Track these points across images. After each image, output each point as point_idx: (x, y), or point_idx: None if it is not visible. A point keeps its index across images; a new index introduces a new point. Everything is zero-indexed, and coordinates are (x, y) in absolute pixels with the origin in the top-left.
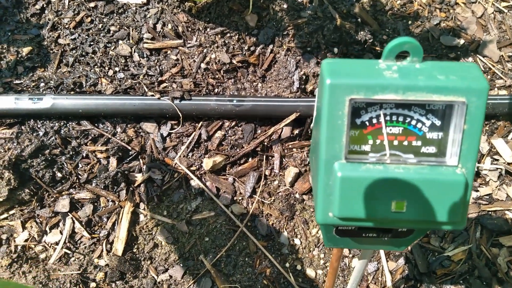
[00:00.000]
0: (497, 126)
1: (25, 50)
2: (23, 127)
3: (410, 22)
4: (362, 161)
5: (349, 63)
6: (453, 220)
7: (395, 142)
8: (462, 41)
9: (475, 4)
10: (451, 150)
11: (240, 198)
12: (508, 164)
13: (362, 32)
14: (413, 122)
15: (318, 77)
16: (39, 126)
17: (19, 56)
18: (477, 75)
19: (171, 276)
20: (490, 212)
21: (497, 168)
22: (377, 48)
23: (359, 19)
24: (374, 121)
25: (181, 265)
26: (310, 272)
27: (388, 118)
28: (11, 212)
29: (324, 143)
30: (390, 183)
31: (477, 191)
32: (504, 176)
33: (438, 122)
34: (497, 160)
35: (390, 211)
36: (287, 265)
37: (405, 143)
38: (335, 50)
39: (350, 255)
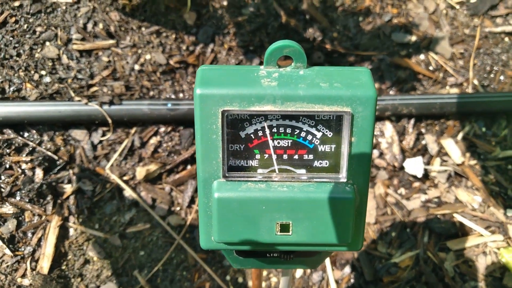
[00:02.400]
0: (446, 126)
1: None
2: None
3: (361, 18)
4: (245, 179)
5: (226, 70)
6: (343, 242)
7: (285, 156)
8: (414, 38)
9: (427, 0)
10: (342, 164)
11: (177, 208)
12: (457, 165)
13: (310, 30)
14: (302, 134)
15: None
16: None
17: None
18: (366, 82)
19: None
20: (438, 216)
21: (446, 170)
22: (327, 46)
23: (307, 16)
24: (260, 133)
25: (114, 281)
26: None
27: (274, 130)
28: None
29: (200, 160)
30: (273, 203)
31: (426, 194)
32: (453, 178)
33: (330, 134)
34: (446, 161)
35: (274, 233)
36: (228, 278)
37: (296, 157)
38: None
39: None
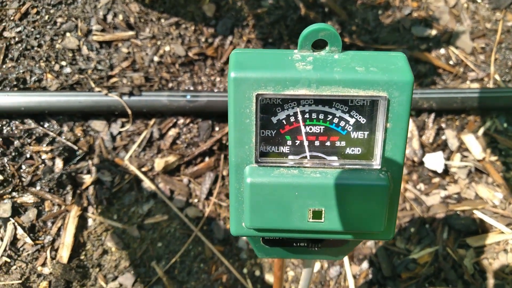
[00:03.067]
0: (467, 121)
1: None
2: None
3: (380, 12)
4: (277, 164)
5: (260, 53)
6: (375, 230)
7: (317, 143)
8: (434, 32)
9: None
10: (376, 151)
11: (195, 200)
12: (478, 161)
13: (329, 22)
14: (336, 120)
15: None
16: None
17: None
18: (402, 67)
19: (121, 284)
20: (458, 212)
21: (466, 166)
22: (345, 39)
23: (326, 9)
24: (292, 119)
25: (132, 272)
26: (269, 278)
27: (307, 116)
28: None
29: (233, 145)
30: (306, 189)
31: (446, 189)
32: (474, 174)
33: (363, 120)
34: (467, 157)
35: (307, 220)
36: (245, 271)
37: (328, 143)
38: None
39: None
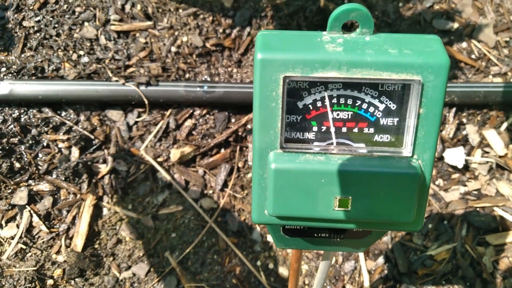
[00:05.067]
0: (489, 116)
1: None
2: None
3: (401, 4)
4: (303, 150)
5: (288, 35)
6: (405, 221)
7: (344, 129)
8: (456, 25)
9: None
10: (407, 138)
11: (210, 191)
12: (500, 157)
13: None
14: (364, 106)
15: None
16: None
17: None
18: (437, 49)
19: (134, 274)
20: (477, 209)
21: (488, 162)
22: None
23: (345, 1)
24: (319, 104)
25: (145, 262)
26: (283, 271)
27: (334, 101)
28: None
29: (257, 129)
30: (333, 176)
31: (465, 185)
32: (495, 170)
33: (393, 106)
34: (488, 152)
35: (332, 209)
36: (259, 263)
37: (355, 130)
38: None
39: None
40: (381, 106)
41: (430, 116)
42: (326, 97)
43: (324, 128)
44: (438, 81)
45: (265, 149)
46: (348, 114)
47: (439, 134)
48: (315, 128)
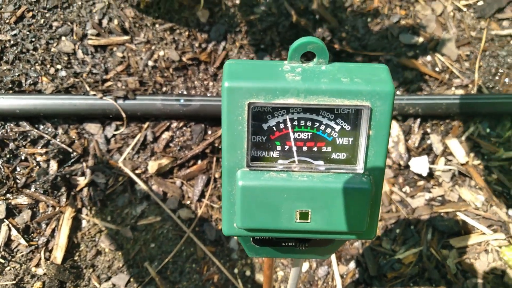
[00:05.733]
0: (451, 126)
1: None
2: None
3: (369, 19)
4: (268, 168)
5: (252, 64)
6: (358, 230)
7: (304, 148)
8: (421, 39)
9: (435, 2)
10: (359, 156)
11: (188, 202)
12: (461, 165)
13: (320, 29)
14: (322, 127)
15: None
16: None
17: None
18: (384, 78)
19: (114, 285)
20: (442, 214)
21: (450, 169)
22: (335, 46)
23: (317, 16)
24: (282, 126)
25: (125, 272)
26: (260, 278)
27: (296, 123)
28: None
29: (226, 150)
30: (294, 192)
31: (430, 192)
32: (457, 177)
33: (348, 127)
34: (451, 160)
35: (294, 221)
36: (236, 271)
37: (315, 149)
38: None
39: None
40: (337, 128)
41: (378, 137)
42: (288, 120)
43: (286, 147)
44: (385, 107)
45: (233, 168)
46: (308, 135)
47: (387, 152)
48: (278, 148)
